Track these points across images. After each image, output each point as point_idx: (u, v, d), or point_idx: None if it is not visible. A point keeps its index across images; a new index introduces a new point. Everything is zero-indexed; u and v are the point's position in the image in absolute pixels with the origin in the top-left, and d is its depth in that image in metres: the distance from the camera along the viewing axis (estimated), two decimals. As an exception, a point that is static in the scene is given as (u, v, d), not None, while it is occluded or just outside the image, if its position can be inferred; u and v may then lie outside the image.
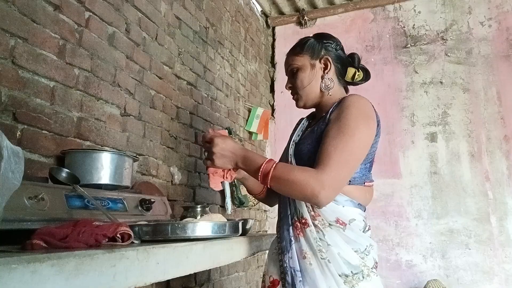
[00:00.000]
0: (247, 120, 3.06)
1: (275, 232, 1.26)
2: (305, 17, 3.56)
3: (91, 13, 1.53)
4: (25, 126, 1.22)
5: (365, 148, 1.07)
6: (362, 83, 1.27)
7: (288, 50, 1.33)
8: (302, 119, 1.37)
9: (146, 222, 0.99)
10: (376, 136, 1.12)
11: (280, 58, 3.65)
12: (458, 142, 3.03)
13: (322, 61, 1.23)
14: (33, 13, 1.27)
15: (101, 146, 1.53)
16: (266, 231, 3.23)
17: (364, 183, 1.13)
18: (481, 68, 3.06)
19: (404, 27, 3.34)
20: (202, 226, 0.93)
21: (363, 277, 1.06)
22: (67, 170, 1.11)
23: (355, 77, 1.24)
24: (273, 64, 3.69)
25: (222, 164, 1.10)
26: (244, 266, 2.75)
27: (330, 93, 1.21)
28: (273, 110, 3.58)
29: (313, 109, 1.32)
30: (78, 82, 1.45)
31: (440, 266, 2.91)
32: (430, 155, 3.08)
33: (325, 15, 3.56)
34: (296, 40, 1.35)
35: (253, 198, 2.65)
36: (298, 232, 1.11)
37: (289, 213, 1.15)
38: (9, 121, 1.17)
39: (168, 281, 1.83)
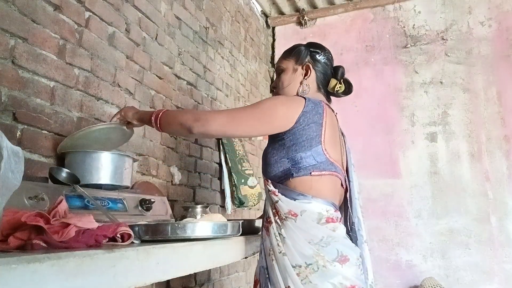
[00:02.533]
0: (247, 120, 3.06)
1: None
2: (305, 17, 3.55)
3: (91, 13, 1.53)
4: (25, 126, 1.22)
5: (266, 118, 1.13)
6: (343, 96, 1.33)
7: (287, 45, 1.44)
8: None
9: (146, 222, 0.99)
10: (300, 122, 1.12)
11: (280, 58, 3.64)
12: (458, 142, 3.03)
13: (304, 67, 1.30)
14: (33, 13, 1.27)
15: (101, 146, 1.53)
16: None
17: (310, 173, 1.12)
18: (481, 68, 3.06)
19: (404, 27, 3.34)
20: (202, 226, 0.93)
21: (317, 268, 1.04)
22: (67, 170, 1.11)
23: (336, 89, 1.30)
24: (273, 64, 3.69)
25: (129, 114, 1.26)
26: (244, 266, 2.75)
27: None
28: (273, 110, 3.58)
29: None
30: (78, 82, 1.45)
31: (440, 266, 2.91)
32: (430, 155, 3.08)
33: (325, 15, 3.56)
34: (296, 40, 1.39)
35: (253, 198, 2.66)
36: (266, 232, 1.18)
37: (264, 214, 1.23)
38: (9, 121, 1.17)
39: (168, 281, 1.83)
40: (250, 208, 2.89)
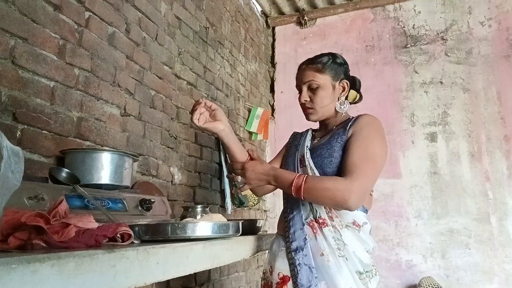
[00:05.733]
0: (247, 120, 3.06)
1: (279, 232, 1.32)
2: (305, 17, 3.55)
3: (91, 13, 1.53)
4: (25, 126, 1.22)
5: (383, 161, 1.18)
6: (356, 103, 1.42)
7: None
8: (299, 133, 1.46)
9: (146, 222, 0.99)
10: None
11: (280, 58, 3.64)
12: (458, 142, 3.03)
13: (341, 83, 1.32)
14: (33, 13, 1.27)
15: (101, 146, 1.53)
16: (266, 231, 3.23)
17: (370, 193, 1.25)
18: (481, 68, 3.06)
19: (404, 27, 3.34)
20: (202, 226, 0.93)
21: (372, 276, 1.15)
22: (67, 170, 1.11)
23: (355, 100, 1.39)
24: (273, 64, 3.69)
25: (257, 184, 1.21)
26: (244, 266, 2.75)
27: (343, 114, 1.32)
28: (273, 110, 3.58)
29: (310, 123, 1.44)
30: (78, 82, 1.45)
31: (440, 266, 2.91)
32: (430, 155, 3.08)
33: (325, 15, 3.56)
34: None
35: (253, 198, 2.66)
36: (314, 231, 1.17)
37: (302, 213, 1.21)
38: (9, 121, 1.17)
39: (168, 281, 1.83)
40: (250, 208, 2.89)
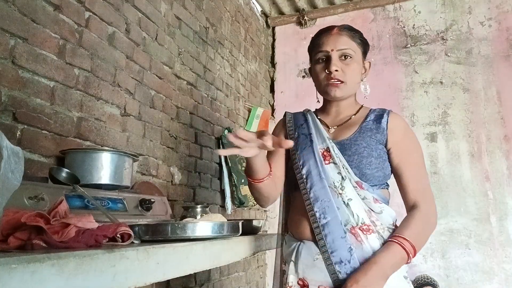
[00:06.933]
0: (247, 120, 3.06)
1: (301, 236, 1.13)
2: (305, 17, 3.55)
3: (91, 13, 1.53)
4: (25, 126, 1.22)
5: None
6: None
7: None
8: (298, 116, 1.25)
9: (146, 222, 0.99)
10: None
11: (280, 58, 3.64)
12: (458, 142, 3.02)
13: (365, 63, 1.23)
14: (33, 13, 1.27)
15: (101, 146, 1.53)
16: (266, 231, 3.23)
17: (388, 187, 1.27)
18: (481, 68, 3.06)
19: (404, 27, 3.34)
20: (202, 226, 0.93)
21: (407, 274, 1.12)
22: (67, 170, 1.11)
23: None
24: (273, 64, 3.68)
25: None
26: (244, 266, 2.75)
27: (366, 97, 1.20)
28: (273, 110, 3.58)
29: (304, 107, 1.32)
30: (78, 82, 1.45)
31: (440, 266, 2.91)
32: (430, 155, 3.08)
33: (325, 15, 3.56)
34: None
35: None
36: (359, 239, 1.04)
37: (340, 218, 1.06)
38: (9, 121, 1.17)
39: (168, 281, 1.83)
40: (250, 208, 2.89)
